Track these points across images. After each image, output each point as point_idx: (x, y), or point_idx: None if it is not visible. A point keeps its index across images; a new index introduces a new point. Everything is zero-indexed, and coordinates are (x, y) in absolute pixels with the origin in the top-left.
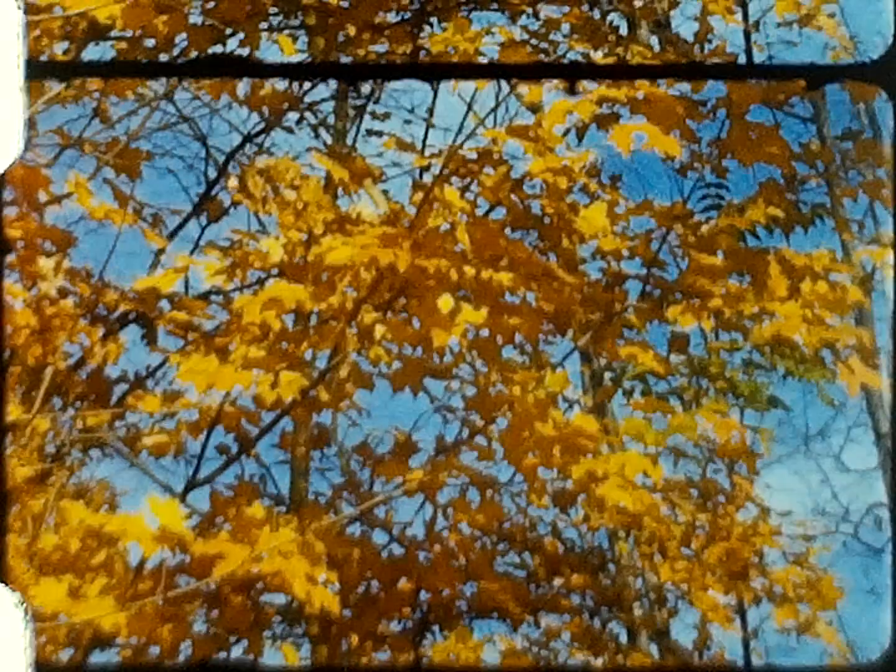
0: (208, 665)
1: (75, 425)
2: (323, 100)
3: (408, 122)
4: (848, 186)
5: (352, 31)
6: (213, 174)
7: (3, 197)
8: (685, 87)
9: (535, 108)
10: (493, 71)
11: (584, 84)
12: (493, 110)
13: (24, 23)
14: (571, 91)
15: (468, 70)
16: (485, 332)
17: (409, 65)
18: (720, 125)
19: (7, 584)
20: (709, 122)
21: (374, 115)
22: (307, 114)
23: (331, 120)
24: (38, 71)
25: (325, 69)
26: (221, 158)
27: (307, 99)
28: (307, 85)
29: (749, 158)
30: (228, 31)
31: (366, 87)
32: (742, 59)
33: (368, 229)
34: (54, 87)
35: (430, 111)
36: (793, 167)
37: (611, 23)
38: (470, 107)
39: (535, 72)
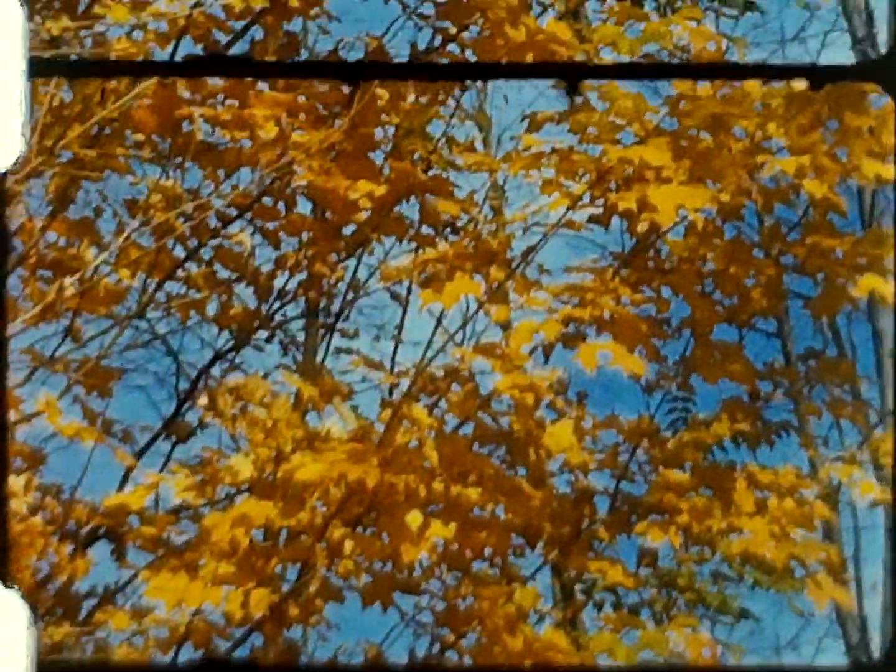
0: (208, 664)
1: (42, 641)
2: (293, 318)
3: (377, 338)
4: (812, 404)
5: None
6: (183, 386)
7: (4, 197)
8: (650, 307)
9: (503, 326)
10: (494, 72)
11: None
12: (462, 327)
13: (25, 20)
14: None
15: (467, 70)
16: (454, 547)
17: (407, 64)
18: (685, 343)
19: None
20: (674, 339)
21: (343, 333)
22: (277, 331)
23: (300, 337)
24: (40, 70)
25: (323, 68)
26: (193, 373)
27: (277, 317)
28: (277, 304)
29: (713, 376)
30: None
31: (335, 306)
32: None
33: (337, 446)
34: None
35: (399, 328)
36: (756, 385)
37: None
38: (439, 323)
39: (535, 71)
